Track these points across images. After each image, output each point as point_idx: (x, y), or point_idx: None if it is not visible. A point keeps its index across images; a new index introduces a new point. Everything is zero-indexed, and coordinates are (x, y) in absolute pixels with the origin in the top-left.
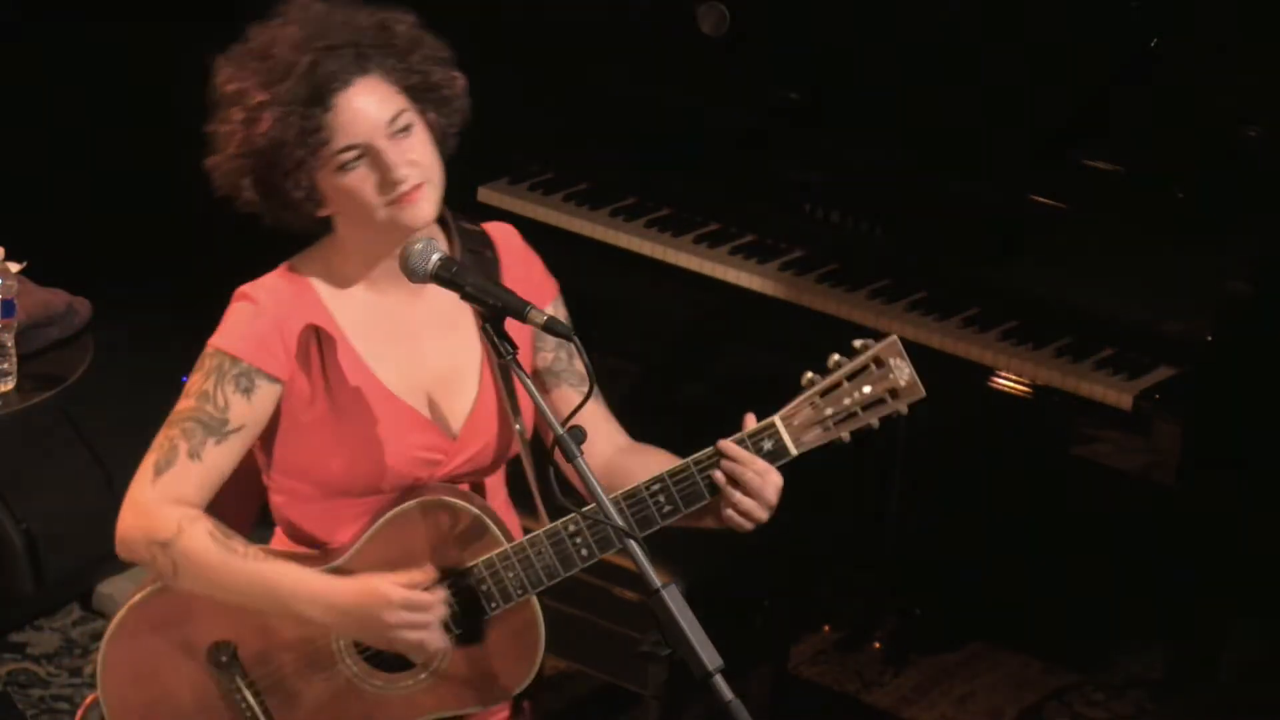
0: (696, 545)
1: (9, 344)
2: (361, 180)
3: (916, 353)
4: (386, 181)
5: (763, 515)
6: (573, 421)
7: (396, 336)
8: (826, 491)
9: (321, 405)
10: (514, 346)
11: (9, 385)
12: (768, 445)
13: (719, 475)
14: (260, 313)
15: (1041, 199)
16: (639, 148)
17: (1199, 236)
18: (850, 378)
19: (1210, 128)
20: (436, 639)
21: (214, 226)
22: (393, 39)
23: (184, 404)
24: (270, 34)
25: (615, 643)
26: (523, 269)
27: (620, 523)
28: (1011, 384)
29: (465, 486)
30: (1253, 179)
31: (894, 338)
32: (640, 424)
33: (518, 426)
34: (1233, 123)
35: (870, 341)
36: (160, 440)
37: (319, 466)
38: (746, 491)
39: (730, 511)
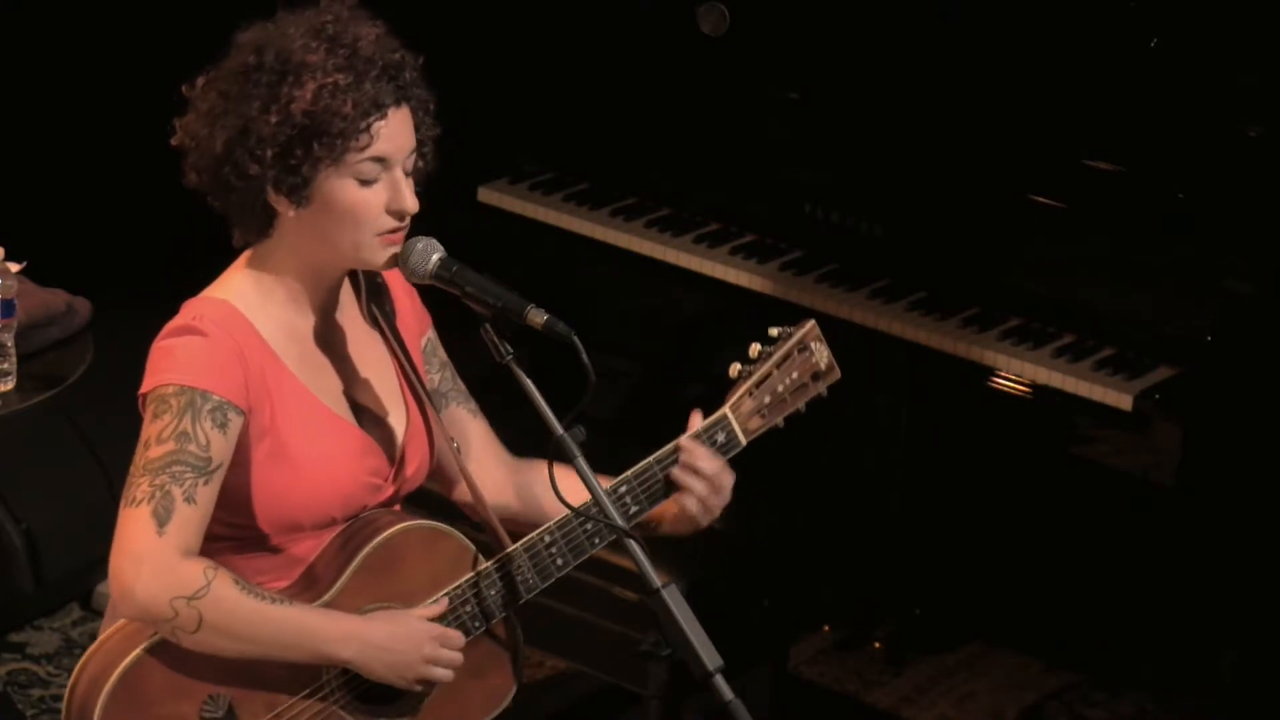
0: (696, 545)
1: (9, 344)
2: (369, 197)
3: (916, 353)
4: (393, 210)
5: (718, 504)
6: (465, 439)
7: (326, 359)
8: (827, 491)
9: (274, 437)
10: (512, 348)
11: (9, 385)
12: (721, 437)
13: (676, 471)
14: (214, 344)
15: (1041, 199)
16: (639, 148)
17: (1199, 236)
18: (779, 365)
19: (1210, 128)
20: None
21: (214, 227)
22: (422, 83)
23: (161, 449)
24: (354, 28)
25: (615, 643)
26: (408, 300)
27: (621, 522)
28: (1011, 384)
29: (397, 507)
30: (1253, 179)
31: (812, 322)
32: (640, 424)
33: (455, 445)
34: (1233, 123)
35: (788, 328)
36: (145, 489)
37: (277, 503)
38: (704, 480)
39: (689, 502)
